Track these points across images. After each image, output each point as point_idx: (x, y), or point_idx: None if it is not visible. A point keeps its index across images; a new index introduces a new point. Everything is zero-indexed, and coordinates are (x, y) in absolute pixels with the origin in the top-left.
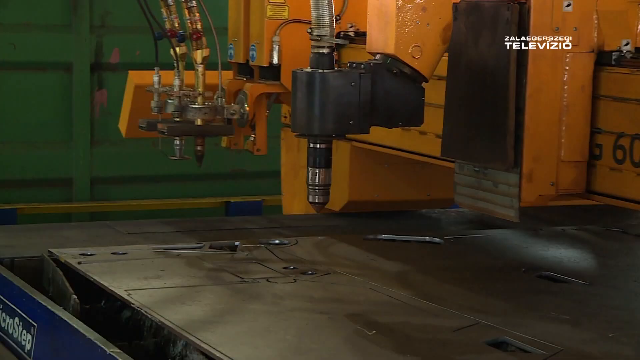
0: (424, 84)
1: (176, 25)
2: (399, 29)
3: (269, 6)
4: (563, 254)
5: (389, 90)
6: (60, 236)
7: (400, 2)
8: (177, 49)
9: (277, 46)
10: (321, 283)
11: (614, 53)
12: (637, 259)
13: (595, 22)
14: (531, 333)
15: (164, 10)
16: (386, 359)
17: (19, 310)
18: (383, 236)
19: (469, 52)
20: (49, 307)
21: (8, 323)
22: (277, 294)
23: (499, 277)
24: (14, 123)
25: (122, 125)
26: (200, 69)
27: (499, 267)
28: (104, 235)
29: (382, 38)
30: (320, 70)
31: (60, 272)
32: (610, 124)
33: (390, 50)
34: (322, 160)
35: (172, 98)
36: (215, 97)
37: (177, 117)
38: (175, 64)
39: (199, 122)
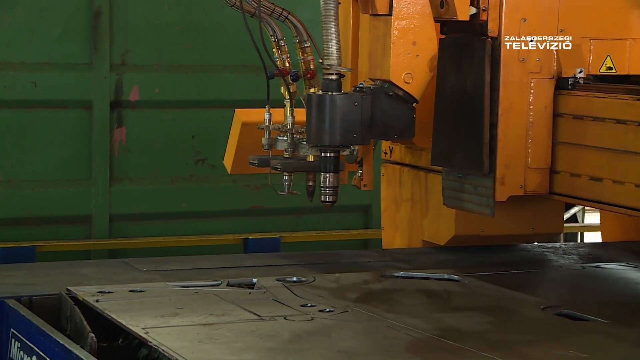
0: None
1: (287, 65)
2: (394, 59)
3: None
4: (585, 292)
5: (386, 109)
6: (79, 274)
7: (395, 37)
8: (291, 87)
9: None
10: (339, 321)
11: (570, 79)
12: None
13: (555, 53)
14: None
15: (275, 51)
16: None
17: (36, 349)
18: (401, 273)
19: (452, 79)
20: (67, 345)
21: None
22: (294, 332)
23: (517, 314)
24: (33, 160)
25: (227, 162)
26: None
27: (517, 304)
28: (121, 272)
29: (380, 66)
30: (330, 93)
31: (78, 310)
32: (567, 137)
33: (387, 76)
34: (331, 166)
35: (282, 135)
36: None
37: (289, 154)
38: (287, 102)
39: (310, 158)
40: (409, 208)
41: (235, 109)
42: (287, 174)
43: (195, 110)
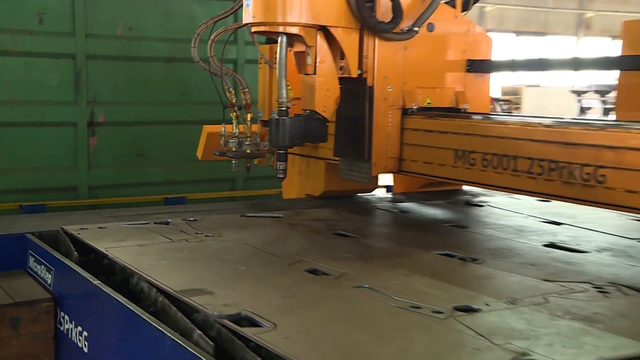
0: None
1: (233, 101)
2: (317, 99)
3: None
4: (355, 220)
5: (312, 126)
6: (69, 219)
7: (317, 86)
8: (237, 113)
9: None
10: (216, 241)
11: (409, 109)
12: (390, 222)
13: (402, 95)
14: (330, 264)
15: (228, 94)
16: (248, 282)
17: (44, 261)
18: (251, 214)
19: (347, 108)
20: (61, 259)
21: (38, 268)
22: (192, 248)
23: (313, 235)
24: (43, 156)
25: (199, 153)
26: (248, 123)
27: (315, 228)
28: (94, 218)
29: (309, 102)
30: (283, 117)
31: (68, 239)
32: (408, 140)
33: (313, 108)
34: (283, 157)
35: (232, 139)
36: (256, 138)
37: (236, 149)
38: (234, 121)
39: (248, 151)
40: (298, 177)
41: (204, 125)
42: (234, 160)
43: (137, 127)
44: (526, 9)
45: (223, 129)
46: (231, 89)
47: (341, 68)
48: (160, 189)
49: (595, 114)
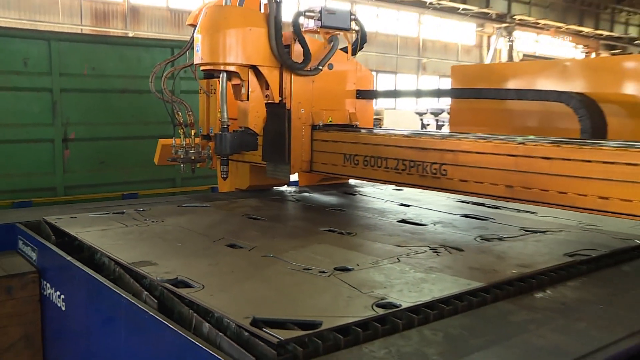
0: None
1: (181, 120)
2: (250, 118)
3: (219, 111)
4: (270, 206)
5: (247, 139)
6: (49, 212)
7: (250, 109)
8: (184, 129)
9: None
10: (160, 225)
11: (317, 125)
12: (291, 208)
13: (311, 114)
14: (245, 240)
15: (176, 115)
16: (183, 255)
17: (30, 243)
18: (188, 204)
19: (272, 124)
20: (42, 241)
21: (26, 249)
22: (141, 231)
23: (232, 219)
24: (29, 165)
25: (156, 159)
26: (193, 136)
27: (234, 214)
28: (68, 210)
29: (244, 121)
30: (224, 133)
31: (48, 227)
32: (316, 148)
33: (247, 125)
34: (225, 163)
35: (181, 149)
36: (198, 148)
37: (183, 156)
38: (182, 135)
39: (193, 157)
40: (229, 175)
41: (159, 139)
42: (183, 164)
43: (100, 142)
44: (383, 55)
45: (174, 142)
46: (179, 112)
47: (267, 96)
48: (118, 187)
49: (432, 128)
